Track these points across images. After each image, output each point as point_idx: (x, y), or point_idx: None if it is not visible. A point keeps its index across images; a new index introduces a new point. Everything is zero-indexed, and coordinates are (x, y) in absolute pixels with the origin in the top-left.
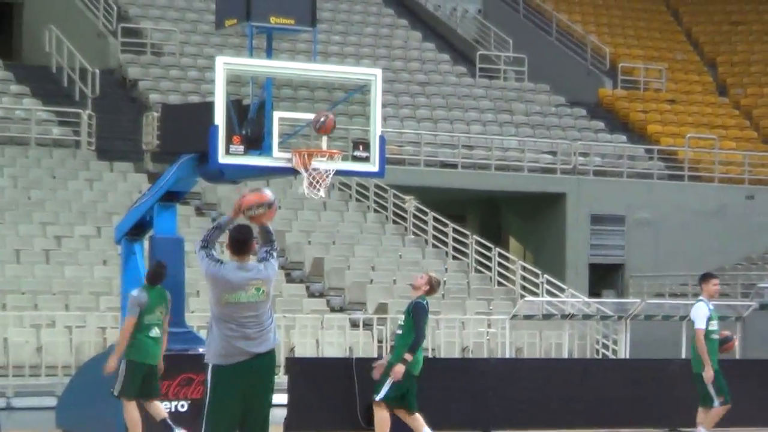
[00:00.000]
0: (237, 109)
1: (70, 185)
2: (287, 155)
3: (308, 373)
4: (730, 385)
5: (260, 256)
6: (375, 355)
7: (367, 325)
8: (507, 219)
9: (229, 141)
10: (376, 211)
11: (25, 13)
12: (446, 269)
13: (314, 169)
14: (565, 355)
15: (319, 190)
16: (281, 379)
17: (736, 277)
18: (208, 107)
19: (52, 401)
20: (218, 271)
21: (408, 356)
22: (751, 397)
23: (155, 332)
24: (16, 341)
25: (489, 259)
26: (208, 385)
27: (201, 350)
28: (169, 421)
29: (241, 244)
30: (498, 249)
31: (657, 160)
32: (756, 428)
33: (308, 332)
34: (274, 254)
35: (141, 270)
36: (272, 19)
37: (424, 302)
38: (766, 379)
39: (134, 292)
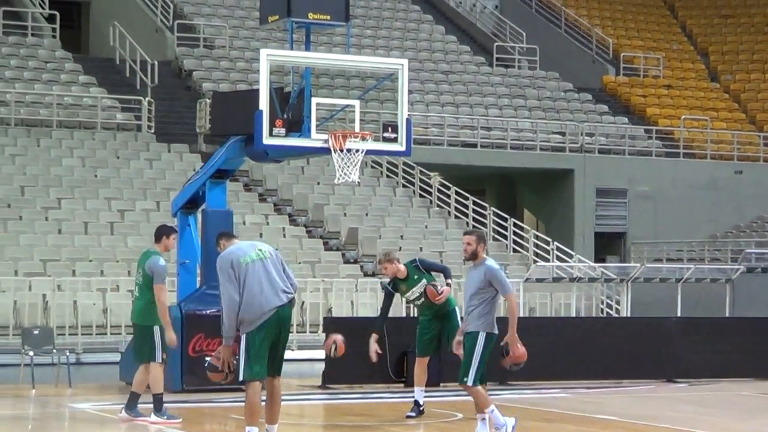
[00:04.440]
0: (279, 96)
1: (132, 165)
2: (324, 137)
3: (344, 331)
4: (722, 340)
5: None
6: (404, 315)
7: None
8: (521, 193)
9: (272, 124)
10: (404, 186)
11: (92, 11)
12: None
13: (348, 150)
14: (573, 314)
15: (351, 173)
16: (320, 336)
17: (726, 244)
18: (254, 94)
19: (116, 357)
20: (226, 254)
21: None
22: (739, 351)
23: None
24: (84, 303)
25: (505, 228)
26: (243, 343)
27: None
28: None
29: (229, 232)
30: (513, 220)
31: (655, 139)
32: (745, 378)
33: (344, 295)
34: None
35: (195, 240)
36: (310, 15)
37: None
38: (753, 335)
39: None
